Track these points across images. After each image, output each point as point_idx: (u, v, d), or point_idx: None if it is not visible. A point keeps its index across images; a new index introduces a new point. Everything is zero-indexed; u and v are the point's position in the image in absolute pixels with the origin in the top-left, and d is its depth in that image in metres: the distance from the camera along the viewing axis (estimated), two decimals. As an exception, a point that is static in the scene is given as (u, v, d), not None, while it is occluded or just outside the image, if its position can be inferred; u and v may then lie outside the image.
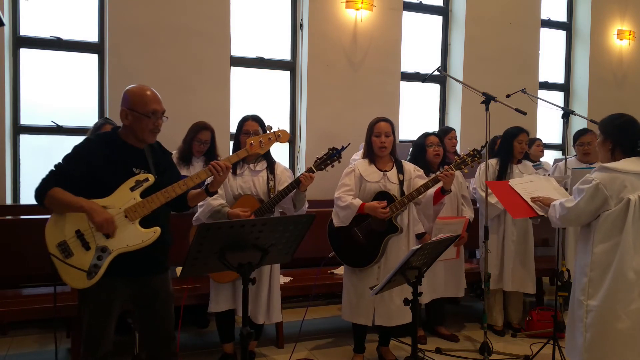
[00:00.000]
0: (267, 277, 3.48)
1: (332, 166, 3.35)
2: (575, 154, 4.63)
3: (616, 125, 2.76)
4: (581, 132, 4.54)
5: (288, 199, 3.39)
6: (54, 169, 2.40)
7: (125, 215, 2.35)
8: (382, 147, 3.48)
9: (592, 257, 2.71)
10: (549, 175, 4.37)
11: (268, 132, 2.74)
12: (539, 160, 5.51)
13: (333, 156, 3.32)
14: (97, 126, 3.96)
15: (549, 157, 6.85)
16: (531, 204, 3.18)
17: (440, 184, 3.40)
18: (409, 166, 3.60)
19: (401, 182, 3.49)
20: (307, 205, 3.50)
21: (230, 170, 3.31)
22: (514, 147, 4.24)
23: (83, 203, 2.30)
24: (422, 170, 3.64)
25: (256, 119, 3.51)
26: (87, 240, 2.32)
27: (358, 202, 3.39)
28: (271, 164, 3.52)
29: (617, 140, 2.73)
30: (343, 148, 3.36)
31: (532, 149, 5.45)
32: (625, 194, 2.62)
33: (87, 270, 2.30)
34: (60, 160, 2.42)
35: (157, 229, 2.39)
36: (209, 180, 2.61)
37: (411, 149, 4.31)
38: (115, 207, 2.35)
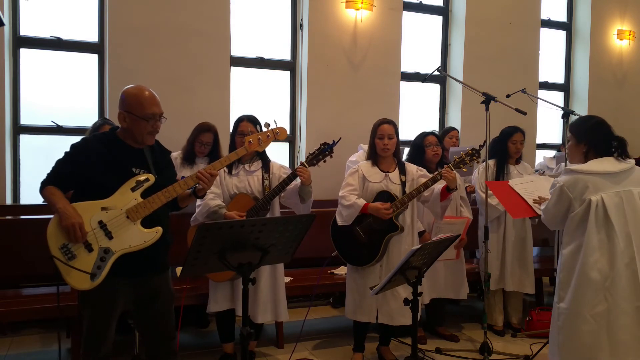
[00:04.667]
0: (267, 276, 3.48)
1: (324, 161, 3.36)
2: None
3: (588, 128, 2.75)
4: None
5: (294, 194, 3.40)
6: (54, 166, 2.43)
7: (127, 216, 2.35)
8: (385, 149, 3.49)
9: (561, 259, 2.73)
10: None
11: (266, 129, 2.73)
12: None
13: (325, 151, 3.34)
14: (95, 126, 3.94)
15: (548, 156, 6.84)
16: (531, 203, 3.19)
17: (444, 183, 3.40)
18: (411, 167, 3.61)
19: (403, 183, 3.50)
20: (312, 199, 3.49)
21: (218, 175, 3.35)
22: (508, 147, 4.25)
23: (59, 205, 2.30)
24: (424, 170, 3.65)
25: (251, 120, 3.52)
26: (89, 241, 2.31)
27: (362, 201, 3.40)
28: (266, 163, 3.54)
29: (592, 142, 2.71)
30: (334, 143, 3.39)
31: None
32: (587, 195, 2.62)
33: (91, 272, 2.30)
34: (60, 157, 2.45)
35: (159, 229, 2.40)
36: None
37: (408, 149, 4.30)
38: (117, 208, 2.35)
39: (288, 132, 4.47)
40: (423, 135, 4.08)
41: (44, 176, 2.43)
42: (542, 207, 2.79)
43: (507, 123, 4.38)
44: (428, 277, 3.90)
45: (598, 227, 2.61)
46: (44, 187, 2.39)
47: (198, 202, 3.34)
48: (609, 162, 2.66)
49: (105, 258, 2.32)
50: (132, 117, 2.41)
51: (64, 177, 2.40)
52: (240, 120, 3.53)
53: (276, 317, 3.56)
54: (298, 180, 3.34)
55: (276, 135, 2.74)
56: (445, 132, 5.10)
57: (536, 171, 4.98)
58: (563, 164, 4.81)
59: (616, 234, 2.59)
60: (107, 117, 4.70)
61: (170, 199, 2.43)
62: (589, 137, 2.73)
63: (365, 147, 4.70)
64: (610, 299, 2.59)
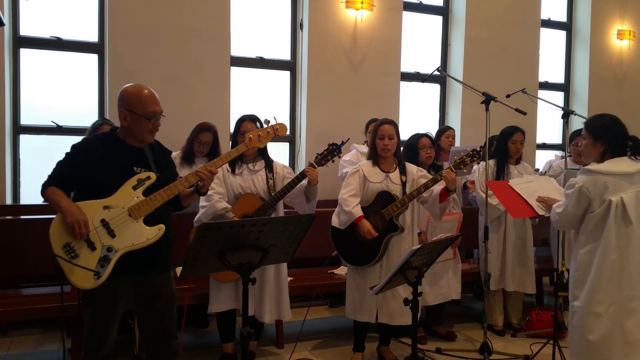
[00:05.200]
0: (272, 275, 3.48)
1: (333, 161, 3.43)
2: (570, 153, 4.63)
3: (604, 125, 2.76)
4: (577, 133, 4.55)
5: (300, 194, 3.42)
6: (55, 168, 2.43)
7: (129, 214, 2.35)
8: (385, 149, 3.50)
9: (577, 259, 2.75)
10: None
11: (266, 125, 2.74)
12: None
13: (333, 151, 3.39)
14: (95, 126, 3.94)
15: (548, 157, 6.84)
16: (532, 203, 3.19)
17: (443, 184, 3.41)
18: (411, 167, 3.62)
19: (404, 184, 3.51)
20: (316, 199, 3.52)
21: (222, 175, 3.36)
22: (508, 147, 4.25)
23: (63, 204, 2.30)
24: (425, 170, 3.66)
25: (253, 120, 3.52)
26: (92, 240, 2.31)
27: (357, 213, 3.40)
28: (269, 163, 3.54)
29: (609, 142, 2.72)
30: (343, 143, 3.45)
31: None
32: (607, 195, 2.64)
33: (94, 270, 2.30)
34: (60, 159, 2.45)
35: (162, 227, 2.40)
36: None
37: (401, 149, 4.24)
38: (119, 206, 2.35)
39: (288, 129, 4.47)
40: (417, 137, 4.07)
41: (45, 178, 2.42)
42: (559, 209, 2.78)
43: (507, 123, 4.38)
44: (432, 280, 3.91)
45: (617, 228, 2.63)
46: (46, 188, 2.39)
47: (202, 203, 3.33)
48: (625, 162, 2.68)
49: (109, 256, 2.32)
50: (133, 116, 2.41)
51: (66, 178, 2.40)
52: (242, 120, 3.52)
53: (280, 316, 3.57)
54: (304, 180, 3.35)
55: (276, 131, 2.75)
56: (441, 131, 5.09)
57: (536, 171, 4.97)
58: (554, 164, 4.82)
59: (635, 235, 2.63)
60: (107, 117, 4.70)
61: (172, 196, 2.43)
62: (606, 136, 2.73)
63: (358, 147, 4.73)
64: (624, 298, 2.63)
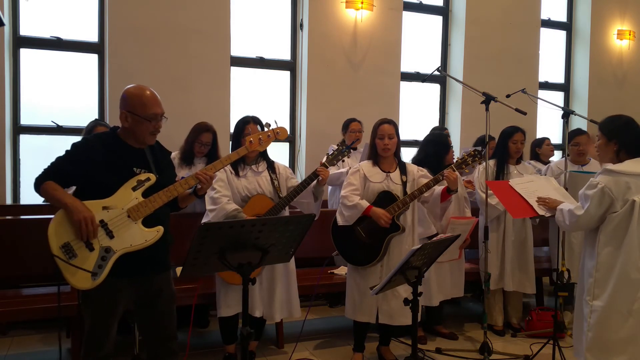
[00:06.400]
0: (282, 274, 3.48)
1: (343, 161, 3.59)
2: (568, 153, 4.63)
3: (619, 126, 2.78)
4: (576, 132, 4.54)
5: (308, 193, 3.43)
6: (53, 162, 2.41)
7: (128, 215, 2.35)
8: (385, 149, 3.50)
9: (598, 259, 2.75)
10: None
11: (267, 129, 2.75)
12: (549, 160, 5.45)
13: (344, 151, 3.44)
14: (89, 128, 3.92)
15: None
16: (533, 203, 3.19)
17: (444, 184, 3.41)
18: (412, 167, 3.62)
19: (404, 183, 3.51)
20: (322, 199, 3.54)
21: (226, 177, 3.36)
22: (509, 147, 4.25)
23: (67, 200, 2.29)
24: (425, 170, 3.65)
25: (257, 122, 3.51)
26: (90, 240, 2.31)
27: (365, 204, 3.40)
28: (270, 164, 3.54)
29: (623, 141, 2.74)
30: (352, 143, 3.66)
31: (542, 148, 5.44)
32: (629, 195, 2.66)
33: (92, 271, 2.29)
34: (60, 155, 2.43)
35: (160, 228, 2.39)
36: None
37: (425, 147, 4.12)
38: (118, 207, 2.35)
39: (288, 132, 4.48)
40: (445, 133, 4.07)
41: (40, 172, 2.38)
42: (579, 211, 2.78)
43: (507, 123, 4.38)
44: (435, 280, 3.91)
45: (639, 227, 2.66)
46: (42, 182, 2.35)
47: (210, 206, 3.29)
48: None
49: (107, 257, 2.31)
50: (134, 118, 2.40)
51: (64, 175, 2.38)
52: (247, 122, 3.49)
53: (291, 314, 3.57)
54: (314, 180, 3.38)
55: (277, 135, 2.76)
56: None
57: (538, 171, 4.98)
58: (552, 164, 4.82)
59: None
60: (107, 117, 4.71)
61: (171, 198, 2.42)
62: (620, 135, 2.75)
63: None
64: None
